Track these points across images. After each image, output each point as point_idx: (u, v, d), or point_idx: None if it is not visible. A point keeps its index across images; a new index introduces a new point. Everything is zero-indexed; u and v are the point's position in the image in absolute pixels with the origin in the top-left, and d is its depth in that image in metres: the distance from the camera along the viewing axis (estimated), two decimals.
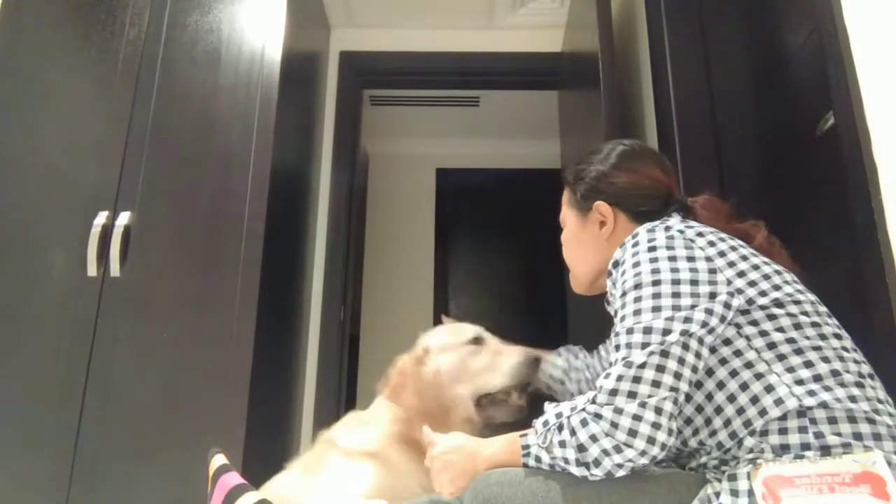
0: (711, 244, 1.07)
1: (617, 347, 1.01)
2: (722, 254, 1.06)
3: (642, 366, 0.95)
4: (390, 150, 4.43)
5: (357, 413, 1.55)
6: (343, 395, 2.86)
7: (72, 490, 1.78)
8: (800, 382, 0.95)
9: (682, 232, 1.09)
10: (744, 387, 0.98)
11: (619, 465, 0.94)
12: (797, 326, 1.01)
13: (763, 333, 1.00)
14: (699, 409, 1.02)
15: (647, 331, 0.98)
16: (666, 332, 0.97)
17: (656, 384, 0.94)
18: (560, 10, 3.02)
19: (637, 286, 1.04)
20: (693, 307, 0.99)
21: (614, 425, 0.93)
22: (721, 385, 1.00)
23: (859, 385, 0.96)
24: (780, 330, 1.00)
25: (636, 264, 1.06)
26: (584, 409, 0.98)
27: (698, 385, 1.01)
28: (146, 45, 2.18)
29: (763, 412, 0.95)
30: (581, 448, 0.95)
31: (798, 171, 1.78)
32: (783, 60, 1.86)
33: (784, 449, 0.93)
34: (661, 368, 0.95)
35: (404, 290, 4.10)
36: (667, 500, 0.97)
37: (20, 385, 1.88)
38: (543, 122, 3.63)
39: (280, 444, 2.34)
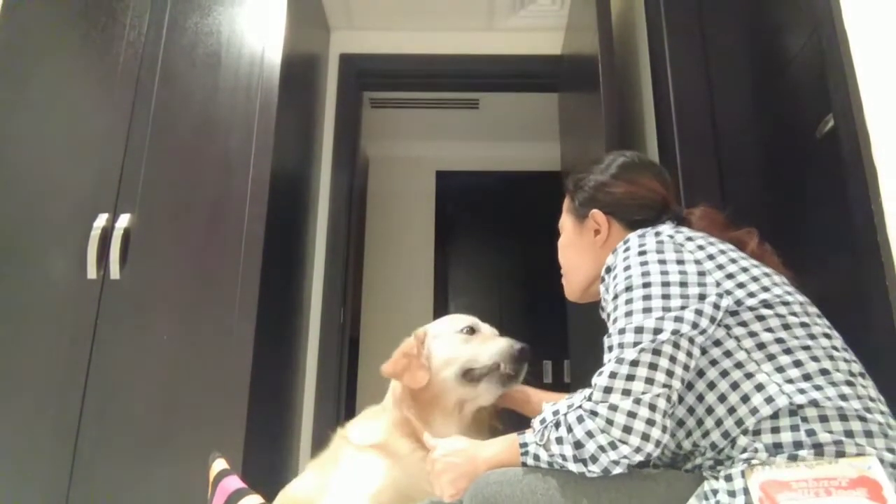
0: (700, 248, 1.10)
1: (609, 348, 1.03)
2: (711, 257, 1.09)
3: (635, 363, 0.97)
4: (390, 153, 4.43)
5: (371, 408, 1.58)
6: (343, 397, 2.85)
7: (72, 490, 1.78)
8: (790, 381, 0.97)
9: (671, 237, 1.12)
10: (734, 386, 0.99)
11: (616, 462, 0.95)
12: (786, 327, 1.02)
13: (752, 334, 1.02)
14: (690, 410, 1.03)
15: (639, 330, 1.00)
16: (657, 331, 0.99)
17: (650, 381, 0.96)
18: (560, 13, 3.02)
19: (628, 288, 1.06)
20: (683, 308, 1.01)
21: (609, 422, 0.95)
22: (712, 385, 1.01)
23: (850, 384, 0.98)
24: (770, 330, 1.02)
25: (627, 268, 1.09)
26: (580, 407, 1.00)
27: (689, 386, 1.03)
28: (146, 48, 2.19)
29: (754, 411, 0.96)
30: (578, 444, 0.97)
31: (798, 172, 1.78)
32: (783, 62, 1.86)
33: (777, 448, 0.94)
34: (653, 366, 0.97)
35: (404, 293, 4.10)
36: (665, 497, 0.98)
37: (20, 386, 1.88)
38: (543, 124, 3.63)
39: (280, 445, 2.34)
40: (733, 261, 1.09)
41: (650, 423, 0.94)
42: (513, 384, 1.46)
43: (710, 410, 1.01)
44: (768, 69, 1.96)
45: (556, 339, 3.13)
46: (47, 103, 2.15)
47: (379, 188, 4.35)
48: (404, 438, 1.41)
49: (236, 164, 2.05)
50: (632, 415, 0.94)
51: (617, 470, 0.96)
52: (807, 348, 1.00)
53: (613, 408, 0.95)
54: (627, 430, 0.94)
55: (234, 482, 1.30)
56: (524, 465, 1.05)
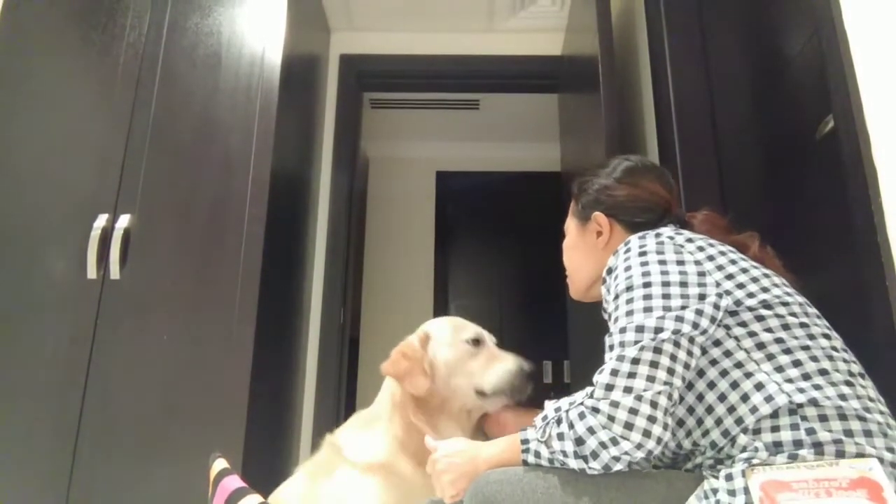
0: (701, 249, 1.11)
1: (610, 347, 1.03)
2: (711, 258, 1.10)
3: (636, 361, 0.98)
4: (390, 153, 4.43)
5: (361, 413, 1.54)
6: (343, 398, 2.85)
7: (72, 490, 1.78)
8: (789, 381, 0.98)
9: (672, 238, 1.13)
10: (734, 385, 1.00)
11: (616, 458, 0.96)
12: (785, 327, 1.03)
13: (752, 334, 1.03)
14: (690, 410, 1.04)
15: (640, 329, 1.01)
16: (658, 329, 1.00)
17: (651, 379, 0.97)
18: (560, 14, 3.02)
19: (629, 288, 1.07)
20: (684, 308, 1.02)
21: (611, 418, 0.96)
22: (711, 385, 1.02)
23: (849, 384, 0.99)
24: (769, 330, 1.03)
25: (627, 269, 1.10)
26: (581, 403, 1.00)
27: (689, 386, 1.03)
28: (146, 48, 2.19)
29: (754, 409, 0.97)
30: (579, 441, 0.98)
31: (798, 173, 1.78)
32: (783, 63, 1.86)
33: (777, 446, 0.94)
34: (654, 364, 0.98)
35: (404, 293, 4.09)
36: (665, 495, 0.98)
37: (20, 386, 1.88)
38: (543, 125, 3.63)
39: (280, 446, 2.34)
40: (733, 262, 1.10)
41: (651, 419, 0.95)
42: (521, 398, 1.47)
43: (710, 409, 1.01)
44: (768, 69, 1.96)
45: (556, 339, 3.14)
46: (47, 103, 2.15)
47: (379, 189, 4.35)
48: (406, 458, 1.37)
49: (236, 164, 2.06)
50: (633, 411, 0.95)
51: (618, 467, 0.97)
52: (806, 348, 1.01)
53: (615, 404, 0.96)
54: (629, 426, 0.95)
55: (234, 481, 1.30)
56: (525, 462, 1.05)
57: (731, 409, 0.99)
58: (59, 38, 2.23)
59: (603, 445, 0.96)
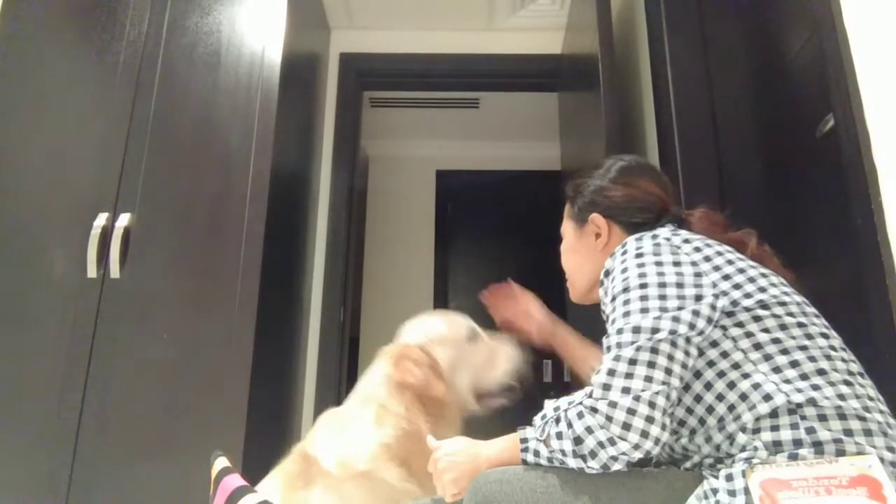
0: (697, 250, 1.11)
1: (608, 348, 1.03)
2: (707, 258, 1.10)
3: (633, 362, 0.98)
4: (390, 152, 4.44)
5: (333, 410, 1.46)
6: (343, 397, 2.84)
7: (72, 490, 1.78)
8: (787, 381, 0.98)
9: (668, 239, 1.13)
10: (731, 385, 1.00)
11: (615, 458, 0.96)
12: (782, 327, 1.03)
13: (749, 335, 1.03)
14: (689, 410, 1.04)
15: (636, 330, 1.01)
16: (654, 330, 1.00)
17: (648, 379, 0.97)
18: (560, 12, 3.02)
19: (625, 290, 1.07)
20: (680, 308, 1.02)
21: (609, 418, 0.96)
22: (709, 386, 1.02)
23: (848, 383, 0.98)
24: (766, 331, 1.03)
25: (624, 270, 1.10)
26: (580, 403, 1.01)
27: (687, 388, 1.03)
28: (146, 47, 2.19)
29: (752, 408, 0.97)
30: (578, 440, 0.98)
31: (798, 172, 1.78)
32: (783, 62, 1.86)
33: (777, 446, 0.94)
34: (651, 364, 0.98)
35: (404, 292, 4.10)
36: (665, 496, 0.99)
37: (20, 385, 1.88)
38: (543, 123, 3.64)
39: (280, 445, 2.33)
40: (730, 262, 1.10)
41: (649, 420, 0.95)
42: (516, 395, 1.48)
43: (710, 409, 1.01)
44: (768, 69, 1.96)
45: None
46: (47, 103, 2.15)
47: (379, 187, 4.35)
48: (394, 465, 1.30)
49: (236, 163, 2.05)
50: (631, 412, 0.95)
51: (616, 466, 0.97)
52: (804, 348, 1.01)
53: (613, 404, 0.96)
54: (626, 426, 0.95)
55: (235, 480, 1.30)
56: (524, 461, 1.05)
57: (731, 408, 0.99)
58: (59, 38, 2.23)
59: (601, 445, 0.96)
